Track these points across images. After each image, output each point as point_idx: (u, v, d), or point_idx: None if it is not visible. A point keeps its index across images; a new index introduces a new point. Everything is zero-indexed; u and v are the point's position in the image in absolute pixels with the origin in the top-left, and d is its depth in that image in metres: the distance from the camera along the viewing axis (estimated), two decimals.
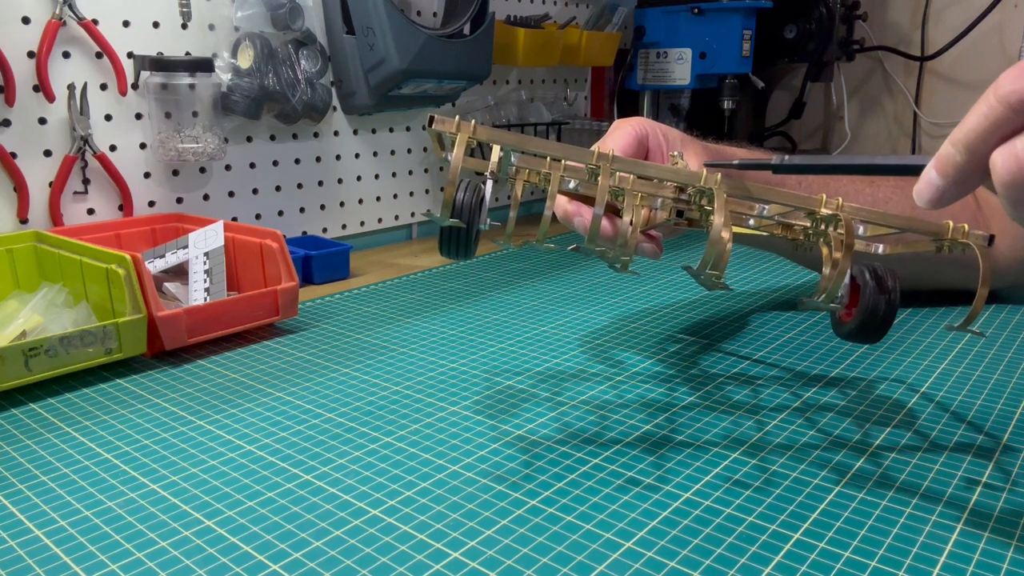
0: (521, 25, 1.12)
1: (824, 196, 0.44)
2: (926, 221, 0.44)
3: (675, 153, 0.53)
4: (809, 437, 0.50)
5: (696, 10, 1.25)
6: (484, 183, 0.43)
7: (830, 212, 0.44)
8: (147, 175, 0.84)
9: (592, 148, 0.43)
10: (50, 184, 0.77)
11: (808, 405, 0.55)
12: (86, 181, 0.80)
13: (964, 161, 0.33)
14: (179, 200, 0.88)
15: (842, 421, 0.52)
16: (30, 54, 0.74)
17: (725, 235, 0.42)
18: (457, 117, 0.41)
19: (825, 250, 0.45)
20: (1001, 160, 0.32)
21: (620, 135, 0.55)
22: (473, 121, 0.41)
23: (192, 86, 0.82)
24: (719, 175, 0.44)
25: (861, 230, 0.47)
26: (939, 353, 0.64)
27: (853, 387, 0.58)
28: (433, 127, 0.41)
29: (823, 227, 0.45)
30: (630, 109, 1.41)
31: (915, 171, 0.36)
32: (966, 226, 0.43)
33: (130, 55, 0.81)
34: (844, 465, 0.46)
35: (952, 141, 0.34)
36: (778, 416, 0.53)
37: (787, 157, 0.44)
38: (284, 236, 0.72)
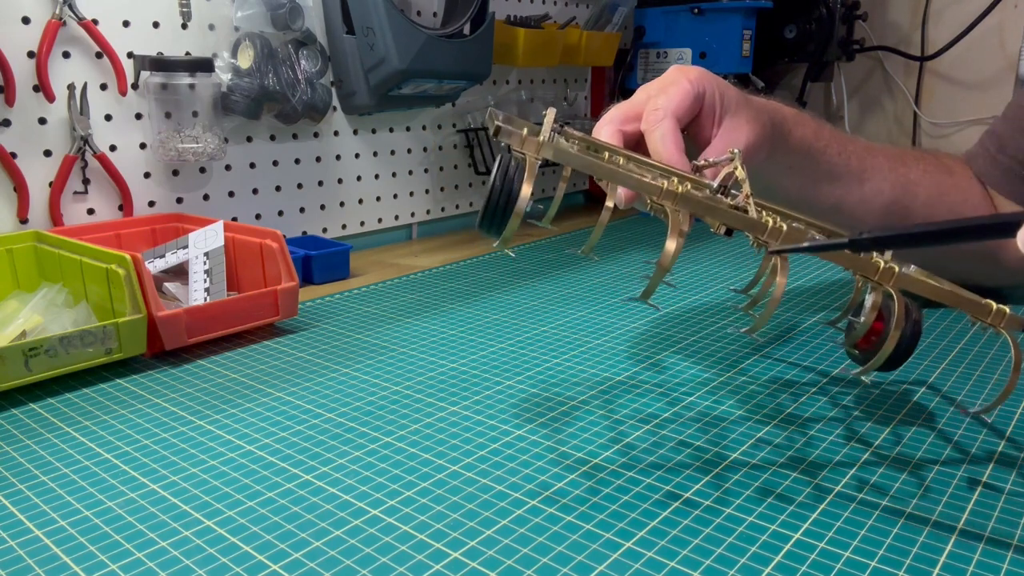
0: (521, 25, 1.12)
1: (881, 263, 0.43)
2: (973, 300, 0.44)
3: (734, 151, 0.46)
4: (809, 437, 0.50)
5: (696, 10, 1.25)
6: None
7: (887, 287, 0.44)
8: (147, 175, 0.84)
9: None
10: (50, 184, 0.77)
11: (807, 406, 0.55)
12: (86, 181, 0.80)
13: None
14: (179, 200, 0.88)
15: (841, 421, 0.52)
16: (30, 54, 0.74)
17: (777, 292, 0.42)
18: (524, 130, 0.40)
19: (873, 297, 0.45)
20: None
21: (677, 92, 0.51)
22: (541, 138, 0.40)
23: (192, 86, 0.82)
24: (783, 227, 0.42)
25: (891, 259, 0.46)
26: (939, 354, 0.64)
27: (852, 387, 0.58)
28: (499, 137, 0.40)
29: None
30: None
31: (1011, 229, 0.33)
32: (1007, 310, 0.44)
33: (130, 55, 0.81)
34: (844, 465, 0.46)
35: None
36: (777, 416, 0.53)
37: (863, 233, 0.41)
38: (284, 236, 0.72)
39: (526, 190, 0.40)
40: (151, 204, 0.85)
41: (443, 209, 1.17)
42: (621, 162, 0.45)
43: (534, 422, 0.52)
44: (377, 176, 1.07)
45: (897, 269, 0.43)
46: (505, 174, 0.40)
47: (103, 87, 0.80)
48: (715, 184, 0.44)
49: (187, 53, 0.85)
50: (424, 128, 1.12)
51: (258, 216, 0.95)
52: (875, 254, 0.44)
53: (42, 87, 0.75)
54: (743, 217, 0.43)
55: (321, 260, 0.87)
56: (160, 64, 0.81)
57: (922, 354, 0.64)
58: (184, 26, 0.84)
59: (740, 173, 0.44)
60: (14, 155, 0.75)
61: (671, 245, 0.42)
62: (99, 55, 0.79)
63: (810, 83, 1.45)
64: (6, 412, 0.55)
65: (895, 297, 0.44)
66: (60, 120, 0.77)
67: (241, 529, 0.40)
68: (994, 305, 0.44)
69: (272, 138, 0.94)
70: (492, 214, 0.41)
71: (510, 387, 0.58)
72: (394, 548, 0.39)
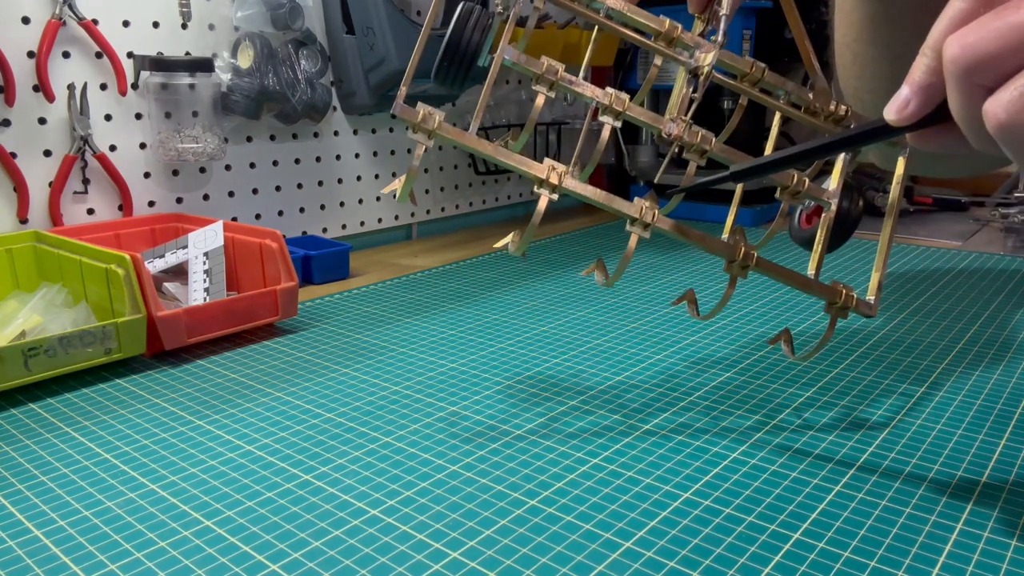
0: (521, 25, 1.12)
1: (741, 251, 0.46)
2: (823, 286, 0.47)
3: (722, 21, 0.49)
4: (809, 437, 0.50)
5: None
6: (491, 17, 0.43)
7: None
8: (147, 175, 0.84)
9: None
10: (50, 184, 0.77)
11: (807, 405, 0.55)
12: (86, 181, 0.80)
13: (930, 61, 0.32)
14: (179, 200, 0.87)
15: (841, 421, 0.52)
16: (30, 54, 0.74)
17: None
18: (420, 115, 0.42)
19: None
20: (952, 41, 0.30)
21: None
22: (435, 124, 0.42)
23: (192, 86, 0.82)
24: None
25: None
26: (938, 354, 0.64)
27: (852, 387, 0.58)
28: (397, 117, 0.42)
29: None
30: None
31: (880, 134, 0.35)
32: (854, 298, 0.47)
33: (130, 55, 0.81)
34: (843, 465, 0.46)
35: (921, 49, 0.32)
36: (777, 416, 0.53)
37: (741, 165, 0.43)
38: (284, 236, 0.72)
39: (416, 160, 0.42)
40: (151, 204, 0.85)
41: (443, 209, 1.17)
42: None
43: (534, 422, 0.52)
44: (377, 176, 1.07)
45: (754, 257, 0.46)
46: (465, 24, 0.42)
47: (103, 87, 0.80)
48: (691, 64, 0.46)
49: (187, 53, 0.85)
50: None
51: (258, 216, 0.95)
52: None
53: (42, 87, 0.75)
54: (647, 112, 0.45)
55: (321, 260, 0.87)
56: (160, 64, 0.81)
57: (918, 357, 0.64)
58: (184, 26, 0.84)
59: (706, 66, 0.45)
60: (14, 155, 0.75)
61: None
62: (99, 55, 0.79)
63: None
64: (6, 412, 0.55)
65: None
66: (60, 120, 0.77)
67: (241, 529, 0.40)
68: (842, 289, 0.47)
69: (272, 138, 0.94)
70: (449, 64, 0.43)
71: (510, 387, 0.58)
72: (394, 548, 0.39)
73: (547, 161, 0.44)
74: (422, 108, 0.42)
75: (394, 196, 0.44)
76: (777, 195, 0.48)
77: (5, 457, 0.48)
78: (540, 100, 0.44)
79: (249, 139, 0.92)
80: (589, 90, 0.45)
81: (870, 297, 0.48)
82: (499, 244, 0.46)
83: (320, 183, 1.00)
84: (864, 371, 0.60)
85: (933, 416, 0.53)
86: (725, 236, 0.48)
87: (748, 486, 0.44)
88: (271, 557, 0.38)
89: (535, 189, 0.44)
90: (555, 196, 0.44)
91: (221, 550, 0.39)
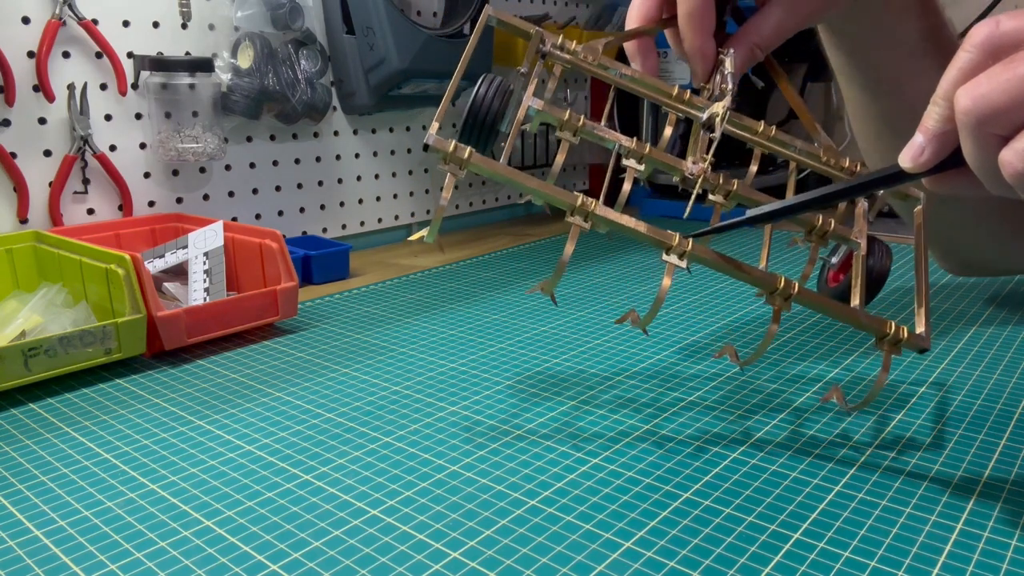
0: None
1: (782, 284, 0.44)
2: (871, 318, 0.44)
3: (723, 51, 0.49)
4: (809, 437, 0.50)
5: None
6: (511, 85, 0.43)
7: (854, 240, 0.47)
8: (147, 175, 0.84)
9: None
10: (50, 184, 0.77)
11: (808, 405, 0.55)
12: (86, 181, 0.80)
13: (942, 110, 0.33)
14: (179, 200, 0.88)
15: (841, 421, 0.52)
16: (30, 54, 0.74)
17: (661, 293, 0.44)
18: (451, 146, 0.42)
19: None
20: (964, 92, 0.31)
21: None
22: (466, 154, 0.42)
23: (192, 86, 0.82)
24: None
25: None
26: (938, 354, 0.64)
27: (852, 387, 0.58)
28: (430, 151, 0.43)
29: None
30: (631, 109, 1.41)
31: (895, 180, 0.36)
32: (904, 330, 0.44)
33: (130, 55, 0.81)
34: (844, 465, 0.46)
35: (933, 99, 0.33)
36: (778, 416, 0.53)
37: (750, 211, 0.43)
38: (284, 236, 0.72)
39: (446, 195, 0.42)
40: (151, 204, 0.85)
41: None
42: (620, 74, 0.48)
43: (533, 422, 0.52)
44: (377, 176, 1.07)
45: (796, 286, 0.44)
46: (484, 93, 0.43)
47: (103, 87, 0.80)
48: (703, 117, 0.46)
49: (187, 53, 0.85)
50: (424, 128, 1.12)
51: (258, 216, 0.95)
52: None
53: (42, 87, 0.75)
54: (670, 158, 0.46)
55: (321, 260, 0.87)
56: (160, 64, 0.81)
57: (918, 357, 0.64)
58: (184, 26, 0.84)
59: (720, 110, 0.45)
60: (14, 155, 0.75)
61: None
62: (99, 55, 0.79)
63: (810, 83, 1.45)
64: (6, 412, 0.55)
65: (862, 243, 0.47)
66: (60, 120, 0.77)
67: (241, 529, 0.40)
68: (892, 323, 0.44)
69: (272, 138, 0.94)
70: (471, 130, 0.43)
71: (510, 387, 0.58)
72: (394, 548, 0.39)
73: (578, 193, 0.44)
74: (454, 140, 0.42)
75: (423, 239, 0.45)
76: (801, 241, 0.48)
77: (5, 457, 0.48)
78: (563, 149, 0.45)
79: (249, 139, 0.92)
80: (613, 136, 0.45)
81: (920, 330, 0.45)
82: (531, 291, 0.47)
83: (320, 183, 1.00)
84: (864, 371, 0.60)
85: (933, 416, 0.53)
86: (762, 266, 0.47)
87: (748, 486, 0.44)
88: (271, 557, 0.38)
89: (567, 218, 0.43)
90: (587, 224, 0.43)
91: (221, 550, 0.39)
